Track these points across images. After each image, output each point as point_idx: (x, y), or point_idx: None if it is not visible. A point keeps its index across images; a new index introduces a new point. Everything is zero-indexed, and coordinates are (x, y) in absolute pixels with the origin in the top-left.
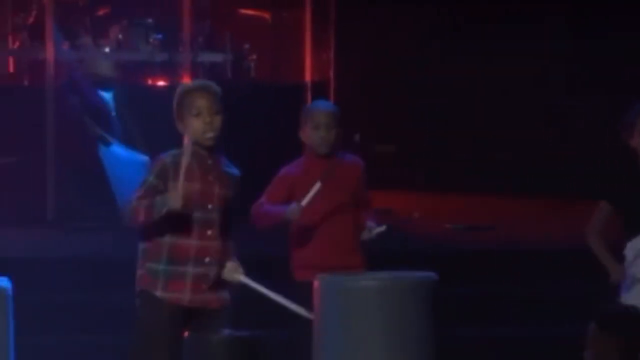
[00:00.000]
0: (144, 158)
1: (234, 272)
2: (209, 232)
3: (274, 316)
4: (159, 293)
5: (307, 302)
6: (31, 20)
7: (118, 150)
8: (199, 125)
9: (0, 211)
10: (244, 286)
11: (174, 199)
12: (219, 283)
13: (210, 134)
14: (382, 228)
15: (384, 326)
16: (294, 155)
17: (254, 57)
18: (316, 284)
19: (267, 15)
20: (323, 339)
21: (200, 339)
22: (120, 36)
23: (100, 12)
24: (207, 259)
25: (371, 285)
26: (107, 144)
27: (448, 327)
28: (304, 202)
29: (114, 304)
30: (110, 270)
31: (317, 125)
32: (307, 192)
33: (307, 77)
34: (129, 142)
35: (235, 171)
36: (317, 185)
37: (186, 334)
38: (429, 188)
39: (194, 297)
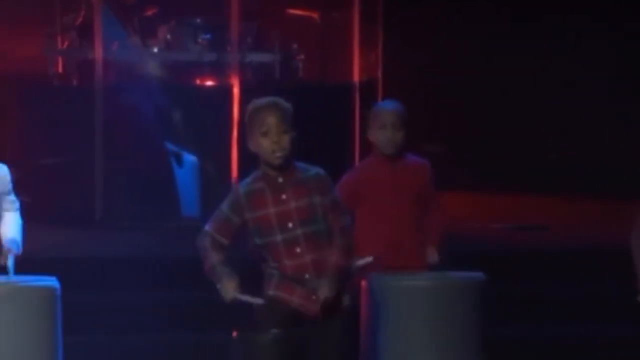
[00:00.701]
0: (193, 158)
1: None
2: (298, 250)
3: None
4: (271, 292)
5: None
6: (80, 20)
7: (169, 150)
8: (267, 144)
9: (48, 211)
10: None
11: (225, 292)
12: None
13: (278, 153)
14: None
15: (432, 326)
16: (341, 155)
17: (302, 57)
18: (364, 283)
19: (315, 15)
20: (371, 338)
21: (249, 338)
22: (168, 36)
23: (149, 12)
24: (306, 276)
25: (420, 285)
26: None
27: (497, 327)
28: (359, 263)
29: (161, 304)
30: (157, 270)
31: (383, 125)
32: (374, 192)
33: (355, 77)
34: (179, 142)
35: (315, 172)
36: (369, 259)
37: (235, 333)
38: (478, 188)
39: (303, 303)
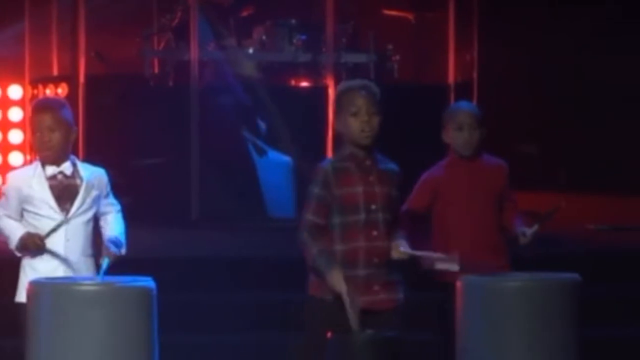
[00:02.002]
0: (288, 159)
1: (397, 251)
2: (375, 233)
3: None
4: (330, 297)
5: (449, 302)
6: (176, 21)
7: (263, 151)
8: (356, 124)
9: (145, 212)
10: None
11: (335, 283)
12: (393, 283)
13: (367, 133)
14: (535, 228)
15: (527, 327)
16: (437, 156)
17: (397, 57)
18: (459, 284)
19: (410, 16)
20: (466, 339)
21: (344, 339)
22: (263, 37)
23: (245, 13)
24: (375, 260)
25: (515, 286)
26: (254, 145)
27: (592, 329)
28: (437, 265)
29: (258, 303)
30: (254, 270)
31: (460, 126)
32: (451, 193)
33: (451, 78)
34: (273, 143)
35: (393, 166)
36: (455, 267)
37: (329, 334)
38: (572, 188)
39: (366, 298)
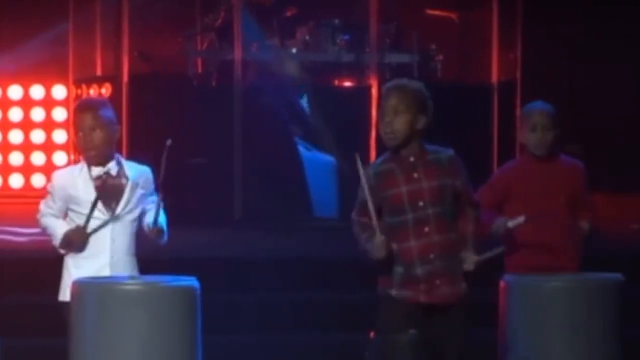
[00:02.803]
0: (331, 159)
1: (470, 262)
2: (426, 229)
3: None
4: (394, 292)
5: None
6: (220, 21)
7: (306, 151)
8: (381, 126)
9: (188, 212)
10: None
11: (377, 252)
12: (454, 276)
13: (389, 135)
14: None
15: (569, 326)
16: (481, 156)
17: (441, 57)
18: (502, 284)
19: (454, 16)
20: (510, 338)
21: (387, 338)
22: (307, 37)
23: (288, 14)
24: (431, 256)
25: (557, 286)
26: (297, 145)
27: (634, 328)
28: (511, 224)
29: (300, 304)
30: (297, 270)
31: (534, 126)
32: (524, 193)
33: (494, 77)
34: (316, 143)
35: (446, 154)
36: (522, 219)
37: (372, 334)
38: (616, 188)
39: (430, 294)
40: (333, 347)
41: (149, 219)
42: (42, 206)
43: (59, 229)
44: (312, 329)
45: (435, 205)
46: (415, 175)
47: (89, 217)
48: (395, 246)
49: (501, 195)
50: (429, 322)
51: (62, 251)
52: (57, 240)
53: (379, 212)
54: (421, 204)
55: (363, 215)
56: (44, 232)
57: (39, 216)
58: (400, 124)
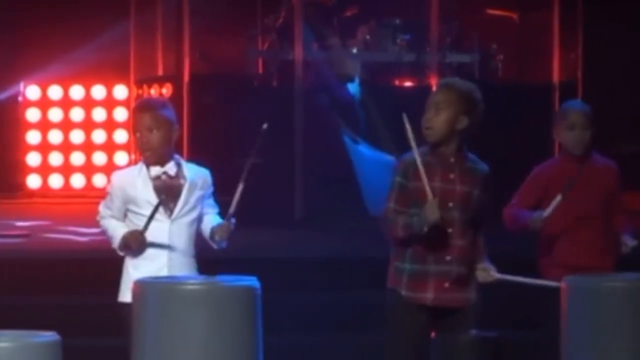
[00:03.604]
0: (391, 159)
1: (486, 274)
2: (449, 230)
3: (520, 316)
4: (403, 292)
5: (555, 303)
6: (280, 21)
7: (366, 151)
8: (422, 119)
9: (249, 211)
10: (502, 284)
11: (431, 213)
12: (464, 282)
13: (427, 131)
14: (636, 243)
15: (632, 328)
16: (542, 155)
17: (501, 57)
18: (564, 285)
19: (514, 16)
20: (571, 340)
21: (446, 339)
22: (367, 37)
23: (348, 13)
24: (447, 257)
25: (620, 286)
26: (356, 144)
27: None
28: (547, 212)
29: (360, 304)
30: (356, 270)
31: (571, 125)
32: (559, 193)
33: (555, 77)
34: (376, 143)
35: (483, 167)
36: (558, 198)
37: (433, 334)
38: None
39: (437, 295)
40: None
41: (212, 224)
42: (101, 207)
43: (117, 231)
44: (374, 330)
45: (461, 210)
46: (452, 175)
47: (148, 220)
48: (415, 240)
49: (540, 193)
50: (440, 323)
51: (121, 253)
52: (115, 243)
53: (409, 202)
54: (450, 204)
55: (398, 202)
56: (104, 233)
57: (98, 218)
58: (439, 121)
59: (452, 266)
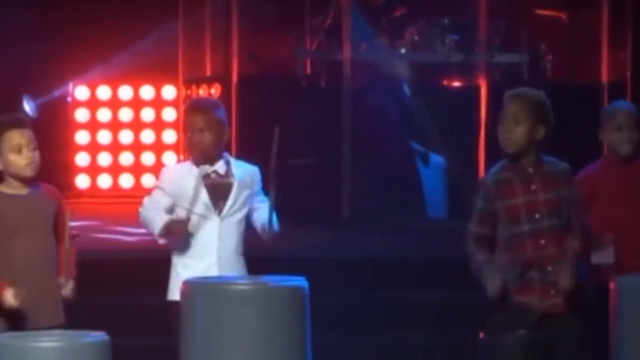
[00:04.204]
0: (440, 159)
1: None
2: (542, 241)
3: None
4: (509, 297)
5: (603, 303)
6: (329, 21)
7: (415, 151)
8: (500, 133)
9: (297, 211)
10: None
11: (490, 285)
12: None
13: (506, 142)
14: None
15: None
16: (591, 156)
17: (550, 57)
18: (612, 285)
19: (563, 15)
20: (620, 341)
21: (495, 339)
22: (416, 37)
23: (397, 13)
24: (549, 268)
25: None
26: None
27: None
28: (595, 259)
29: (406, 304)
30: (405, 270)
31: (619, 126)
32: (608, 193)
33: (604, 77)
34: (425, 143)
35: (561, 167)
36: (609, 257)
37: (481, 334)
38: None
39: (545, 303)
40: (442, 347)
41: (262, 219)
42: (146, 200)
43: (158, 217)
44: (421, 329)
45: (550, 218)
46: (533, 186)
47: (191, 213)
48: (511, 254)
49: (587, 196)
50: (543, 329)
51: (161, 241)
52: (156, 228)
53: (494, 221)
54: (537, 215)
55: (481, 225)
56: (144, 224)
57: (140, 209)
58: (519, 133)
59: (554, 275)
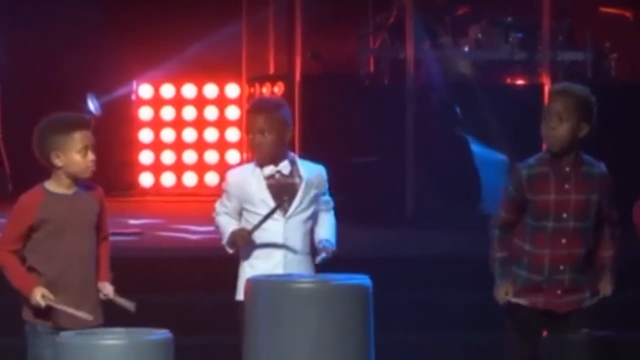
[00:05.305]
0: (503, 157)
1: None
2: (563, 241)
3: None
4: (513, 298)
5: None
6: (392, 20)
7: (478, 149)
8: (543, 129)
9: (360, 210)
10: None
11: (497, 295)
12: (579, 287)
13: (549, 140)
14: None
15: None
16: None
17: (615, 55)
18: None
19: (628, 14)
20: None
21: (559, 339)
22: (479, 35)
23: (460, 12)
24: (561, 267)
25: None
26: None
27: None
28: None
29: (470, 303)
30: (466, 270)
31: None
32: None
33: None
34: (488, 141)
35: (598, 170)
36: None
37: (545, 333)
38: None
39: (547, 300)
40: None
41: (323, 235)
42: (217, 205)
43: (227, 227)
44: (483, 329)
45: (577, 219)
46: (567, 186)
47: (261, 221)
48: (527, 247)
49: None
50: (552, 325)
51: (230, 250)
52: (224, 239)
53: (523, 209)
54: (564, 215)
55: (510, 212)
56: (216, 229)
57: (213, 214)
58: (563, 131)
59: (565, 275)
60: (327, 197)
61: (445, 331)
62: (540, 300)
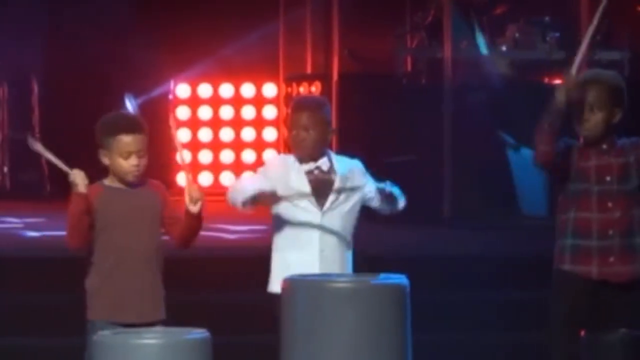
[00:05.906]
0: None
1: None
2: (610, 204)
3: None
4: (567, 267)
5: None
6: (429, 19)
7: (515, 149)
8: (579, 118)
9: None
10: None
11: (559, 94)
12: (631, 255)
13: (584, 129)
14: None
15: None
16: None
17: None
18: None
19: None
20: None
21: (597, 338)
22: (517, 35)
23: (498, 11)
24: (610, 232)
25: None
26: (515, 148)
27: None
28: None
29: (507, 303)
30: (504, 269)
31: None
32: None
33: None
34: (526, 141)
35: (631, 140)
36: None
37: (582, 332)
38: None
39: (602, 270)
40: (536, 346)
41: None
42: (244, 175)
43: (251, 186)
44: (519, 329)
45: (620, 182)
46: (605, 156)
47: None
48: (572, 214)
49: None
50: (600, 299)
51: (243, 207)
52: (245, 195)
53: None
54: (608, 178)
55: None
56: (230, 195)
57: (234, 183)
58: (597, 120)
59: (614, 240)
60: (378, 184)
61: (482, 331)
62: (594, 270)
